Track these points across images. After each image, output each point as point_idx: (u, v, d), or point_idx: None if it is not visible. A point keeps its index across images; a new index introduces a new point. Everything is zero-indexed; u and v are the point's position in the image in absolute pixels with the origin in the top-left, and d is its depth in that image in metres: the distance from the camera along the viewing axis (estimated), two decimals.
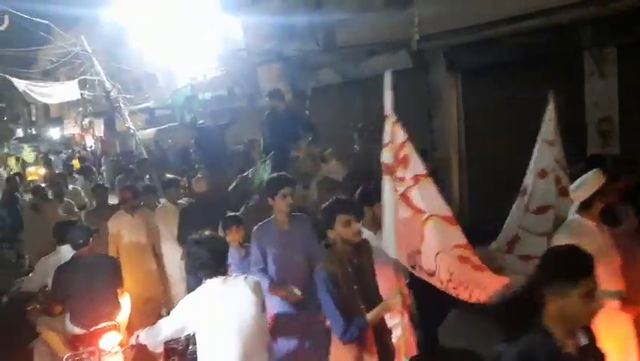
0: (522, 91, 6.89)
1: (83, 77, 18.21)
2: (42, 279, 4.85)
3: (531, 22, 6.29)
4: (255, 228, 4.09)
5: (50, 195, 8.34)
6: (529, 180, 4.14)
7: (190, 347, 3.48)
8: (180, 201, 6.37)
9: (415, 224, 2.88)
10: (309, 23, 10.40)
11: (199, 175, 6.38)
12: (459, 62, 7.88)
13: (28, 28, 14.62)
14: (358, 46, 9.30)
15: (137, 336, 3.24)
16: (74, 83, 17.88)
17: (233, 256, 4.39)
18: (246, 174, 7.27)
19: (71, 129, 26.94)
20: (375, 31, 8.87)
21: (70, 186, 9.01)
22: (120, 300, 4.56)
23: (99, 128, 23.99)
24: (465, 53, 7.63)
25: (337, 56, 10.00)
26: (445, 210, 2.87)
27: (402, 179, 2.89)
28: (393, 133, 2.94)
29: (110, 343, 4.13)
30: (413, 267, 2.98)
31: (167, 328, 3.12)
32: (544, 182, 4.04)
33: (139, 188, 6.81)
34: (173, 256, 5.92)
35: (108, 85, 17.21)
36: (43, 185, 8.80)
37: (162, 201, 6.57)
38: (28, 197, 9.59)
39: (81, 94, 18.74)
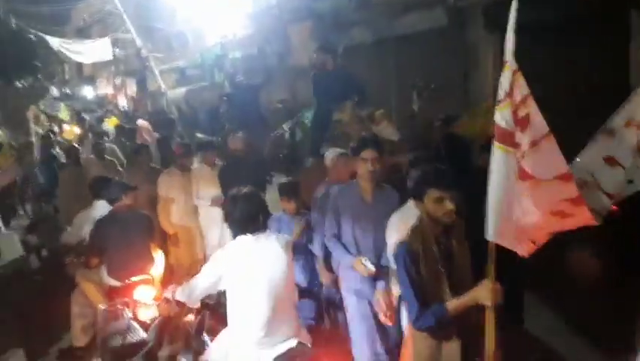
0: (565, 50, 6.60)
1: (114, 36, 18.26)
2: (79, 232, 4.98)
3: None
4: (334, 189, 3.81)
5: (91, 153, 8.30)
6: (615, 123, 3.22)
7: (223, 302, 3.51)
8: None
9: (523, 199, 2.36)
10: None
11: (237, 134, 6.22)
12: (498, 20, 7.52)
13: None
14: (392, 2, 9.03)
15: (173, 291, 3.29)
16: (107, 40, 17.96)
17: (286, 224, 4.37)
18: (278, 132, 7.23)
19: (104, 88, 27.21)
20: None
21: (107, 145, 8.94)
22: (154, 255, 4.65)
23: (131, 88, 24.18)
24: (505, 10, 7.29)
25: (370, 13, 9.74)
26: (562, 168, 2.34)
27: (517, 145, 2.34)
28: (514, 85, 2.38)
29: (145, 295, 4.23)
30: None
31: (201, 283, 3.15)
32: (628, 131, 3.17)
33: (191, 145, 6.63)
34: (210, 219, 5.82)
35: (139, 43, 17.22)
36: (76, 145, 8.75)
37: (196, 162, 6.42)
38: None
39: (113, 53, 18.83)
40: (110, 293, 4.37)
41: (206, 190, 5.76)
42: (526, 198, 2.34)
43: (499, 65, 8.28)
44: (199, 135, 14.55)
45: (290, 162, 8.79)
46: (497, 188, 2.40)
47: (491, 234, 2.45)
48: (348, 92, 6.21)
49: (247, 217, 3.07)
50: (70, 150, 8.16)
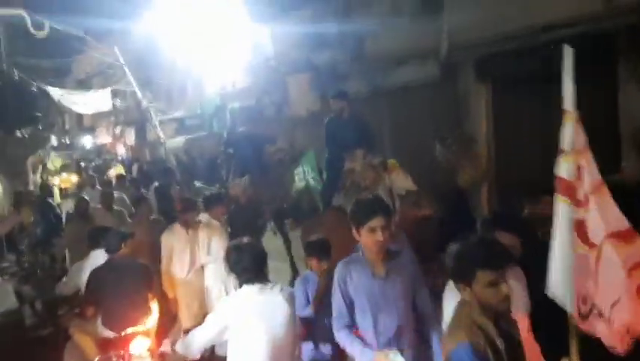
0: (555, 101, 6.76)
1: (115, 87, 18.64)
2: (76, 283, 4.95)
3: (566, 30, 6.19)
4: (338, 267, 3.06)
5: (99, 202, 7.85)
6: None
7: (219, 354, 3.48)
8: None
9: (589, 263, 2.21)
10: (338, 32, 10.48)
11: (242, 179, 6.21)
12: (489, 72, 7.79)
13: (64, 39, 15.07)
14: (387, 55, 9.31)
15: (172, 344, 3.26)
16: (107, 92, 18.31)
17: (315, 284, 3.85)
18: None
19: (103, 138, 27.53)
20: (403, 41, 8.88)
21: (116, 194, 8.37)
22: (151, 305, 4.62)
23: (130, 137, 24.48)
24: (496, 63, 7.55)
25: (365, 65, 10.03)
26: (622, 223, 2.22)
27: (577, 200, 2.22)
28: (577, 134, 2.30)
29: (140, 348, 4.17)
30: (584, 317, 2.25)
31: (205, 334, 3.13)
32: None
33: (196, 200, 6.16)
34: (216, 275, 5.45)
35: (139, 95, 17.57)
36: (85, 196, 8.40)
37: (203, 216, 5.83)
38: (65, 204, 9.80)
39: (113, 104, 19.18)
40: (104, 345, 4.29)
41: (218, 245, 5.43)
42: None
43: (491, 115, 8.46)
44: (197, 184, 14.67)
45: (296, 212, 8.69)
46: (564, 245, 2.19)
47: (568, 304, 2.18)
48: (361, 140, 6.04)
49: (253, 267, 3.10)
50: (80, 202, 7.61)
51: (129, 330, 4.29)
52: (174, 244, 5.45)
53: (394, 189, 5.41)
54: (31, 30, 8.50)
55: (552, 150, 5.08)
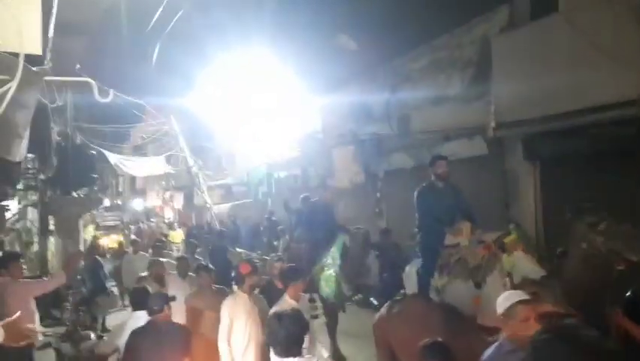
0: (605, 182, 6.61)
1: (169, 153, 19.46)
2: (115, 343, 4.97)
3: (617, 112, 6.14)
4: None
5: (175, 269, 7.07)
6: None
7: None
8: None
9: None
10: (384, 108, 10.72)
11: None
12: (538, 150, 7.73)
13: (125, 108, 16.01)
14: (433, 131, 9.40)
15: None
16: (162, 158, 19.12)
17: None
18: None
19: (153, 201, 28.45)
20: (450, 118, 8.98)
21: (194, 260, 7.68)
22: None
23: (178, 201, 25.20)
24: (544, 142, 7.51)
25: (411, 141, 10.14)
26: None
27: None
28: None
29: None
30: None
31: None
32: None
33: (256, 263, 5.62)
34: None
35: (191, 161, 18.25)
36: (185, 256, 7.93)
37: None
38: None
39: (165, 169, 19.99)
40: None
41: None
42: None
43: (539, 194, 8.24)
44: (239, 250, 14.76)
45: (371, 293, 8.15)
46: None
47: None
48: (464, 212, 5.30)
49: (291, 339, 3.04)
50: (180, 261, 7.05)
51: None
52: (236, 313, 4.81)
53: (515, 274, 4.43)
54: (97, 97, 9.09)
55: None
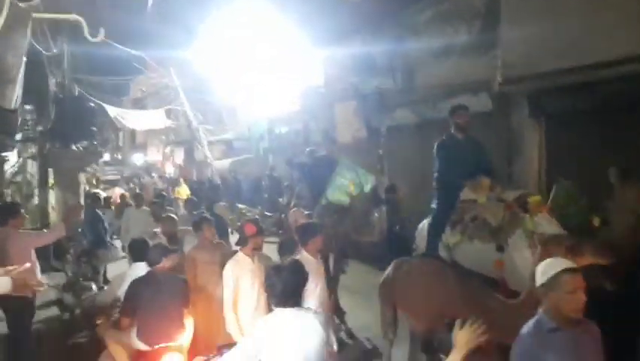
0: (615, 139, 6.48)
1: (169, 107, 19.25)
2: (115, 293, 5.00)
3: (628, 67, 5.95)
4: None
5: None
6: None
7: None
8: None
9: None
10: (388, 61, 10.48)
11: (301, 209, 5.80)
12: (544, 107, 7.56)
13: (124, 60, 15.71)
14: (437, 86, 9.21)
15: None
16: (161, 112, 18.92)
17: None
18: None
19: (153, 156, 28.39)
20: (455, 72, 8.78)
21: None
22: (185, 322, 4.59)
23: (179, 156, 25.14)
24: (551, 98, 7.33)
25: (415, 96, 9.95)
26: None
27: None
28: None
29: None
30: None
31: (238, 358, 3.08)
32: None
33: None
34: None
35: (191, 115, 18.08)
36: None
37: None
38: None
39: (165, 123, 19.81)
40: (137, 357, 4.29)
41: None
42: None
43: (544, 152, 8.13)
44: (240, 206, 14.76)
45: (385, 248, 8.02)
46: None
47: None
48: (485, 167, 5.06)
49: (289, 290, 3.04)
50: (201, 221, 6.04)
51: (162, 344, 4.27)
52: (241, 276, 4.57)
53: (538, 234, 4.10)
54: (87, 36, 8.76)
55: (606, 191, 4.82)
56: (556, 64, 6.74)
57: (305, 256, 4.40)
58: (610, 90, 6.43)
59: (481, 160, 5.16)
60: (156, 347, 4.26)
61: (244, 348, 3.09)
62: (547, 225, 4.18)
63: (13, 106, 5.91)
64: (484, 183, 4.71)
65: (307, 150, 9.17)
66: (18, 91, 5.72)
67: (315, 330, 2.98)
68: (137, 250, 5.13)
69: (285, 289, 3.02)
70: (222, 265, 4.73)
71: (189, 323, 4.66)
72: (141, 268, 4.80)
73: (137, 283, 4.48)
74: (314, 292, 4.24)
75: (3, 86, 5.24)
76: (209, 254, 5.43)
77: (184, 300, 4.58)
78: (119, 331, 4.49)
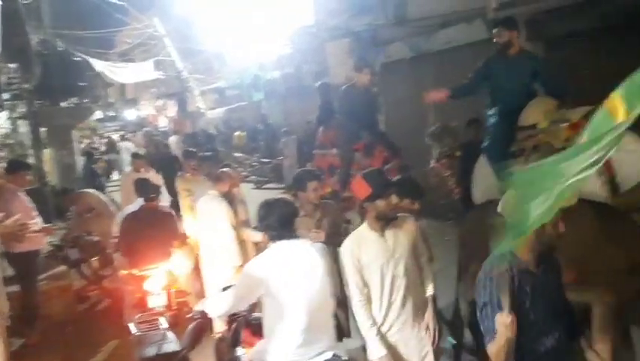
0: (613, 63, 6.31)
1: (157, 58, 18.80)
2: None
3: None
4: None
5: None
6: None
7: (253, 314, 3.40)
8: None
9: None
10: None
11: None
12: (542, 31, 7.34)
13: (106, 12, 15.24)
14: (430, 17, 8.93)
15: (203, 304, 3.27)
16: (150, 63, 18.50)
17: None
18: None
19: (146, 110, 28.04)
20: (448, 1, 8.50)
21: None
22: (174, 251, 4.95)
23: (172, 109, 24.81)
24: (550, 20, 7.11)
25: (408, 30, 9.67)
26: None
27: None
28: None
29: (154, 286, 4.71)
30: None
31: (234, 296, 3.02)
32: None
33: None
34: None
35: (180, 66, 17.68)
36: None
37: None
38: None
39: (154, 74, 19.38)
40: (128, 279, 4.92)
41: None
42: None
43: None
44: (237, 155, 14.68)
45: None
46: None
47: None
48: (545, 85, 4.40)
49: (283, 222, 2.99)
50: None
51: (150, 266, 4.81)
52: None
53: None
54: None
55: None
56: None
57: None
58: (608, 9, 6.23)
59: (541, 77, 4.43)
60: (143, 271, 4.80)
61: (244, 282, 3.03)
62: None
63: None
64: (545, 104, 3.95)
65: (318, 83, 8.92)
66: None
67: (314, 260, 2.96)
68: (138, 187, 5.43)
69: (279, 221, 2.98)
70: None
71: (182, 253, 5.02)
72: (140, 203, 5.32)
73: (130, 217, 5.18)
74: None
75: None
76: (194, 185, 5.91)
77: (172, 230, 5.14)
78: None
